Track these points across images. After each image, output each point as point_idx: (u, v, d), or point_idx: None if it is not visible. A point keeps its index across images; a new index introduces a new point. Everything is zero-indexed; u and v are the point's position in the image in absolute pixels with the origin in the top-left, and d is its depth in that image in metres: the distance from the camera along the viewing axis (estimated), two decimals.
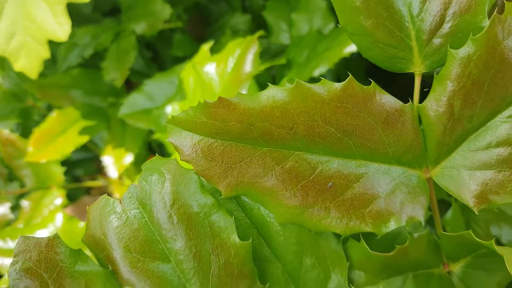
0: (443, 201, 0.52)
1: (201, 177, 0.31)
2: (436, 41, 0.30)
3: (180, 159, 0.30)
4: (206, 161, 0.30)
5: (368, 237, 0.36)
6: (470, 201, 0.30)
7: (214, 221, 0.30)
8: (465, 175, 0.31)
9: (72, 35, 0.75)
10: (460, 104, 0.30)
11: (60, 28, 0.52)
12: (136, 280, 0.30)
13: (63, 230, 0.61)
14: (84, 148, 0.84)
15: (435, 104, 0.30)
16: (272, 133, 0.29)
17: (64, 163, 0.75)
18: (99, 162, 0.79)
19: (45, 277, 0.27)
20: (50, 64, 0.74)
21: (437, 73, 0.30)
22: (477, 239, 0.30)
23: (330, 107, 0.29)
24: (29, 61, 0.55)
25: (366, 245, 0.32)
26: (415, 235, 0.32)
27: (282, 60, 0.62)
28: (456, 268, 0.35)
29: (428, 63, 0.31)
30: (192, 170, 0.30)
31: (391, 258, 0.31)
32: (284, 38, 0.70)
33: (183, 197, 0.30)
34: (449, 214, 0.42)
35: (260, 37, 0.76)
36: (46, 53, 0.55)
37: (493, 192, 0.30)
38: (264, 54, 0.75)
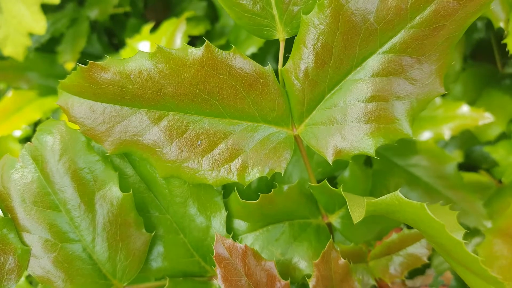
0: None
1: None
2: (294, 8, 0.33)
3: (68, 121, 0.34)
4: (89, 121, 0.33)
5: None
6: (327, 154, 0.34)
7: (98, 176, 0.34)
8: (323, 131, 0.34)
9: None
10: (313, 66, 0.33)
11: (37, 24, 0.63)
12: (31, 226, 0.34)
13: None
14: None
15: (293, 67, 0.33)
16: (144, 95, 0.33)
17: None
18: None
19: None
20: None
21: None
22: (331, 187, 0.33)
23: (192, 70, 0.32)
24: (14, 49, 0.66)
25: (237, 194, 0.35)
26: (285, 187, 0.36)
27: (221, 41, 0.65)
28: (334, 219, 0.39)
29: (289, 30, 0.34)
30: (79, 130, 0.34)
31: (258, 205, 0.35)
32: (231, 20, 0.73)
33: (70, 154, 0.34)
34: (346, 172, 0.45)
35: (214, 22, 0.79)
36: (28, 42, 0.65)
37: (345, 145, 0.33)
38: (219, 36, 0.79)
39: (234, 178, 0.34)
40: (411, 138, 0.32)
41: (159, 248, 0.38)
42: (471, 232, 0.51)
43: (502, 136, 0.61)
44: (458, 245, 0.26)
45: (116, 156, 0.36)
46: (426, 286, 0.45)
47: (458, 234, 0.27)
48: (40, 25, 0.63)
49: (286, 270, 0.36)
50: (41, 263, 0.34)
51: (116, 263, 0.35)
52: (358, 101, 0.33)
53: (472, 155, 0.62)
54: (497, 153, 0.61)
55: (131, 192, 0.35)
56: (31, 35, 0.77)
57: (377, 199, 0.29)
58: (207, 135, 0.34)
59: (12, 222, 0.34)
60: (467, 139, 0.60)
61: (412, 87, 0.32)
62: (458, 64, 0.60)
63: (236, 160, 0.34)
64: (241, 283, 0.32)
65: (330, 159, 0.34)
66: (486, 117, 0.53)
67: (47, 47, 0.76)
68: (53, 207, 0.34)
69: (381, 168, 0.53)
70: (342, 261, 0.33)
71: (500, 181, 0.59)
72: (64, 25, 0.76)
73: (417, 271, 0.46)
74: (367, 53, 0.32)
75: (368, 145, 0.32)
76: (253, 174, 0.34)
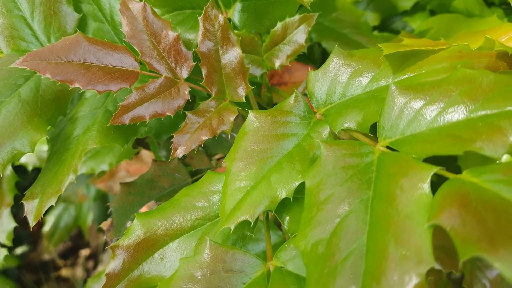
0: None
1: None
2: None
3: None
4: None
5: None
6: None
7: None
8: None
9: None
10: None
11: None
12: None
13: None
14: None
15: None
16: None
17: None
18: None
19: None
20: None
21: None
22: None
23: None
24: None
25: None
26: None
27: None
28: (232, 14, 0.47)
29: None
30: None
31: None
32: None
33: None
34: None
35: None
36: None
37: None
38: None
39: None
40: None
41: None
42: None
43: (418, 8, 0.69)
44: None
45: None
46: None
47: None
48: None
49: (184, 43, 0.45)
50: None
51: (50, 34, 0.45)
52: None
53: (391, 25, 0.70)
54: (414, 22, 0.69)
55: None
56: None
57: None
58: None
59: None
60: (385, 9, 0.68)
61: None
62: None
63: None
64: (138, 28, 0.41)
65: None
66: None
67: None
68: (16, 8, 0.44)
69: None
70: (221, 17, 0.42)
71: None
72: None
73: None
74: None
75: None
76: None
